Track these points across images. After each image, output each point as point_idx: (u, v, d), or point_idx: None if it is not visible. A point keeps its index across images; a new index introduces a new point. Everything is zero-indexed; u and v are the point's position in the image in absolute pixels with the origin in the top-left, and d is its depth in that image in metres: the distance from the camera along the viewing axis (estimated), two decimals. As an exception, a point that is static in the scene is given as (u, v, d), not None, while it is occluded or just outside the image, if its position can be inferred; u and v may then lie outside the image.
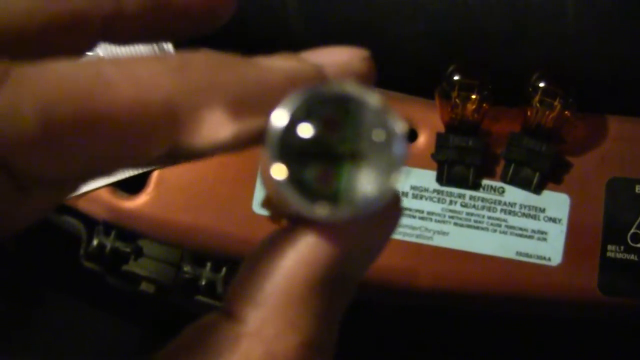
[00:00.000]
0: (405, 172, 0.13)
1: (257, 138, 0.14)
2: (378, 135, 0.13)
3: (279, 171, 0.12)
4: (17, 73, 0.12)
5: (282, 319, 0.14)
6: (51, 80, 0.12)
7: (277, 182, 0.12)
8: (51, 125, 0.12)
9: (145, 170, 0.17)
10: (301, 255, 0.14)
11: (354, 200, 0.13)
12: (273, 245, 0.14)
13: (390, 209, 0.14)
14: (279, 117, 0.13)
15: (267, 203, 0.16)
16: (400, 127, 0.13)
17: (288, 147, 0.12)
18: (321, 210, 0.13)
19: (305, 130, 0.12)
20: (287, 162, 0.12)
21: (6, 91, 0.12)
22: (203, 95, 0.13)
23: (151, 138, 0.13)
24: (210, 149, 0.14)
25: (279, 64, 0.14)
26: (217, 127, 0.13)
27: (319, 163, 0.13)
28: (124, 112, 0.13)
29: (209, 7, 0.16)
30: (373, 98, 0.13)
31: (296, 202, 0.12)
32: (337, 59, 0.15)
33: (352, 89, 0.13)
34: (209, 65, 0.14)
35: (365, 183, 0.13)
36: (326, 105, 0.13)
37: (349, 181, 0.13)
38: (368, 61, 0.15)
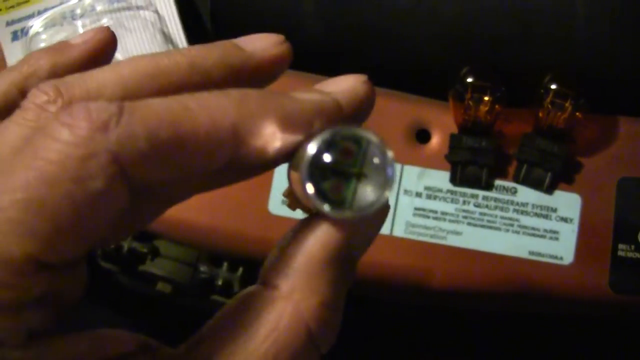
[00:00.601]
0: (392, 187, 0.18)
1: (289, 154, 0.19)
2: (376, 162, 0.18)
3: (310, 188, 0.18)
4: (129, 107, 0.17)
5: (306, 286, 0.19)
6: (153, 112, 0.17)
7: (308, 194, 0.18)
8: (156, 143, 0.17)
9: (213, 189, 0.21)
10: (319, 239, 0.19)
11: (358, 205, 0.18)
12: (297, 233, 0.19)
13: (381, 210, 0.19)
14: (312, 149, 0.18)
15: (287, 194, 0.22)
16: (391, 155, 0.18)
17: (316, 168, 0.18)
18: (335, 213, 0.18)
19: (328, 158, 0.18)
20: (314, 178, 0.18)
21: (124, 121, 0.17)
22: (257, 122, 0.18)
23: (220, 150, 0.18)
24: (259, 162, 0.18)
25: (309, 97, 0.19)
26: (266, 145, 0.18)
27: (335, 179, 0.18)
28: (202, 133, 0.17)
29: (271, 67, 0.21)
30: (374, 137, 0.18)
31: (321, 207, 0.18)
32: (345, 86, 0.20)
33: (361, 130, 0.18)
34: (259, 98, 0.19)
35: (367, 194, 0.18)
36: (343, 140, 0.18)
37: (356, 192, 0.18)
38: (367, 83, 0.20)
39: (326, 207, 0.18)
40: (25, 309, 0.17)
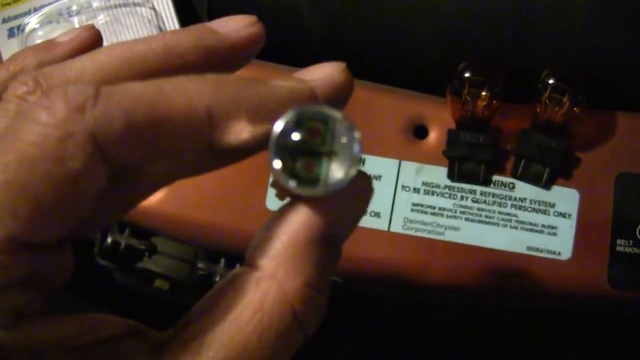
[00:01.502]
0: (360, 164, 0.19)
1: (266, 140, 0.19)
2: (344, 140, 0.19)
3: (277, 163, 0.18)
4: (105, 91, 0.18)
5: (290, 266, 0.19)
6: (129, 95, 0.18)
7: (275, 170, 0.18)
8: (132, 124, 0.17)
9: (192, 176, 0.21)
10: (300, 220, 0.19)
11: (325, 183, 0.18)
12: (280, 215, 0.20)
13: (359, 192, 0.20)
14: (278, 126, 0.18)
15: (274, 184, 0.22)
16: (358, 134, 0.18)
17: (284, 147, 0.18)
18: (303, 190, 0.18)
19: (295, 136, 0.18)
20: (282, 157, 0.18)
21: (100, 103, 0.17)
22: (231, 105, 0.19)
23: (196, 133, 0.18)
24: (235, 146, 0.19)
25: (284, 83, 0.20)
26: (241, 129, 0.19)
27: (304, 158, 0.18)
28: (178, 115, 0.18)
29: (245, 47, 0.22)
30: (340, 115, 0.18)
31: (287, 184, 0.18)
32: (323, 74, 0.21)
33: (328, 109, 0.19)
34: (234, 82, 0.19)
35: (336, 171, 0.18)
36: (311, 119, 0.18)
37: (325, 170, 0.18)
38: (346, 71, 0.21)
39: (292, 184, 0.18)
40: (10, 290, 0.18)
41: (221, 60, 0.21)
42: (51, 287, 0.19)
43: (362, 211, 0.21)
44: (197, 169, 0.21)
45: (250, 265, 0.19)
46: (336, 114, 0.18)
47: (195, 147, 0.18)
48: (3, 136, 0.18)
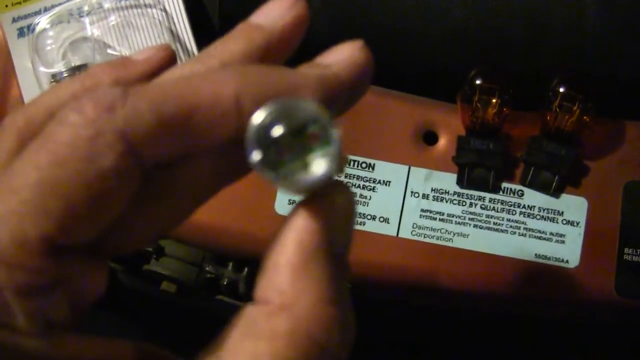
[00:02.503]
0: (342, 161, 0.18)
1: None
2: (324, 135, 0.18)
3: (256, 155, 0.17)
4: (134, 89, 0.18)
5: (296, 288, 0.18)
6: (156, 90, 0.18)
7: (254, 162, 0.17)
8: (161, 118, 0.18)
9: (227, 184, 0.21)
10: (294, 240, 0.18)
11: (303, 178, 0.18)
12: (274, 244, 0.19)
13: (344, 195, 0.20)
14: (257, 118, 0.18)
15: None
16: (338, 132, 0.18)
17: (264, 140, 0.18)
18: (283, 183, 0.18)
19: (277, 130, 0.18)
20: (262, 150, 0.18)
21: (130, 101, 0.17)
22: (259, 93, 0.18)
23: (224, 122, 0.18)
24: None
25: (312, 71, 0.20)
26: None
27: (285, 152, 0.18)
28: (206, 104, 0.18)
29: (294, 31, 0.21)
30: (322, 110, 0.18)
31: (265, 177, 0.18)
32: (344, 55, 0.20)
33: (309, 103, 0.18)
34: (261, 70, 0.19)
35: (316, 167, 0.18)
36: (292, 113, 0.18)
37: (305, 165, 0.18)
38: (365, 49, 0.20)
39: (270, 176, 0.17)
40: (42, 294, 0.18)
41: (275, 53, 0.21)
42: (81, 300, 0.19)
43: (352, 220, 0.20)
44: (234, 172, 0.20)
45: (259, 301, 0.19)
46: (317, 108, 0.18)
47: (225, 137, 0.18)
48: (35, 138, 0.18)
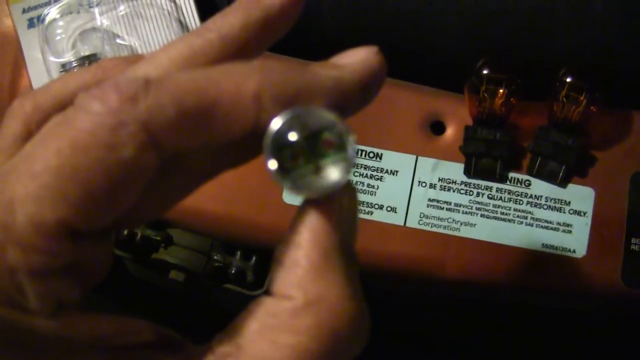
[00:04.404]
0: (353, 167, 0.19)
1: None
2: (339, 142, 0.18)
3: (272, 164, 0.18)
4: (155, 81, 0.18)
5: (319, 285, 0.18)
6: (179, 83, 0.18)
7: (270, 171, 0.18)
8: (183, 111, 0.18)
9: (234, 167, 0.21)
10: (311, 237, 0.19)
11: (319, 186, 0.19)
12: (290, 238, 0.19)
13: (350, 196, 0.20)
14: (274, 126, 0.18)
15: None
16: (352, 139, 0.18)
17: (279, 147, 0.18)
18: (299, 190, 0.18)
19: (292, 136, 0.18)
20: (278, 157, 0.18)
21: (152, 93, 0.18)
22: (278, 91, 0.18)
23: (244, 118, 0.18)
24: None
25: (330, 73, 0.20)
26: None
27: (299, 159, 0.18)
28: (227, 100, 0.18)
29: (293, 5, 0.21)
30: (337, 118, 0.18)
31: (281, 184, 0.18)
32: (358, 58, 0.20)
33: (324, 111, 0.19)
34: (281, 67, 0.19)
35: (330, 173, 0.19)
36: (308, 121, 0.18)
37: (319, 172, 0.19)
38: (379, 54, 0.21)
39: (286, 184, 0.18)
40: (54, 276, 0.18)
41: (272, 28, 0.21)
42: (90, 280, 0.19)
43: (356, 215, 0.21)
44: (245, 156, 0.21)
45: (280, 296, 0.19)
46: (332, 116, 0.18)
47: (243, 132, 0.19)
48: (57, 124, 0.18)
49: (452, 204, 0.38)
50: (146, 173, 0.18)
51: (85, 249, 0.18)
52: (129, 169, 0.17)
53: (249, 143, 0.19)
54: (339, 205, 0.19)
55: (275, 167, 0.18)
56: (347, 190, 0.20)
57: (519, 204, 0.38)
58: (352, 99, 0.20)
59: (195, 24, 0.40)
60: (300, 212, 0.20)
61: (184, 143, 0.18)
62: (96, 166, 0.17)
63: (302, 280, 0.19)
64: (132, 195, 0.18)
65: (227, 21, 0.21)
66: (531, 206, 0.38)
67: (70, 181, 0.17)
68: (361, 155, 0.39)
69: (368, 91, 0.21)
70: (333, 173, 0.18)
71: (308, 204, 0.20)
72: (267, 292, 0.20)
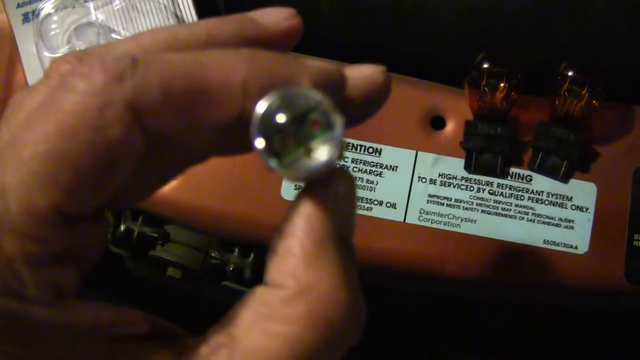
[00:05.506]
0: (342, 147, 0.19)
1: None
2: (326, 122, 0.18)
3: (259, 142, 0.18)
4: (143, 60, 0.18)
5: (311, 273, 0.18)
6: (167, 65, 0.18)
7: (257, 150, 0.18)
8: (169, 94, 0.18)
9: (229, 153, 0.21)
10: (305, 225, 0.19)
11: (307, 165, 0.18)
12: (283, 229, 0.19)
13: (346, 184, 0.20)
14: (261, 107, 0.18)
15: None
16: (339, 118, 0.18)
17: (267, 127, 0.18)
18: (285, 170, 0.18)
19: (280, 117, 0.18)
20: (265, 137, 0.18)
21: (138, 72, 0.17)
22: (266, 80, 0.18)
23: (230, 104, 0.18)
24: None
25: (317, 63, 0.20)
26: None
27: (287, 139, 0.18)
28: (214, 86, 0.18)
29: (284, 39, 0.22)
30: (324, 98, 0.18)
31: (268, 164, 0.18)
32: (364, 72, 0.21)
33: (312, 91, 0.18)
34: (269, 58, 0.19)
35: (318, 154, 0.18)
36: (295, 101, 0.18)
37: (307, 152, 0.18)
38: (386, 74, 0.21)
39: (273, 164, 0.18)
40: (51, 263, 0.18)
41: (267, 46, 0.21)
42: (85, 264, 0.19)
43: (354, 205, 0.21)
44: (232, 147, 0.21)
45: (273, 285, 0.19)
46: (319, 96, 0.18)
47: (229, 118, 0.19)
48: (43, 106, 0.18)
49: (453, 200, 0.38)
50: (134, 153, 0.18)
51: (79, 233, 0.18)
52: (117, 149, 0.17)
53: (238, 131, 0.19)
54: (334, 193, 0.19)
55: (262, 145, 0.18)
56: (342, 177, 0.20)
57: (520, 199, 0.38)
58: (338, 88, 0.20)
59: (192, 18, 0.39)
60: (295, 201, 0.19)
61: (168, 125, 0.18)
62: (84, 149, 0.17)
63: (295, 268, 0.18)
64: (121, 175, 0.18)
65: (219, 25, 0.21)
66: (533, 202, 0.38)
67: (59, 166, 0.17)
68: (360, 150, 0.38)
69: (369, 104, 0.21)
70: (322, 153, 0.18)
71: (303, 192, 0.19)
72: (262, 283, 0.19)
